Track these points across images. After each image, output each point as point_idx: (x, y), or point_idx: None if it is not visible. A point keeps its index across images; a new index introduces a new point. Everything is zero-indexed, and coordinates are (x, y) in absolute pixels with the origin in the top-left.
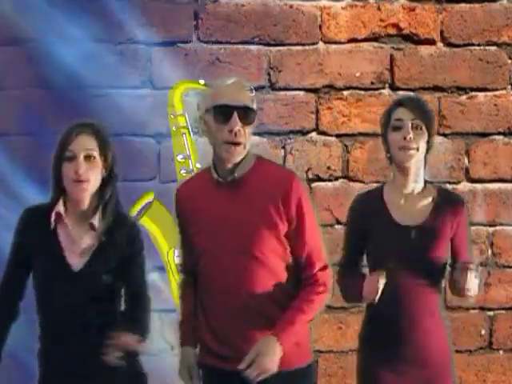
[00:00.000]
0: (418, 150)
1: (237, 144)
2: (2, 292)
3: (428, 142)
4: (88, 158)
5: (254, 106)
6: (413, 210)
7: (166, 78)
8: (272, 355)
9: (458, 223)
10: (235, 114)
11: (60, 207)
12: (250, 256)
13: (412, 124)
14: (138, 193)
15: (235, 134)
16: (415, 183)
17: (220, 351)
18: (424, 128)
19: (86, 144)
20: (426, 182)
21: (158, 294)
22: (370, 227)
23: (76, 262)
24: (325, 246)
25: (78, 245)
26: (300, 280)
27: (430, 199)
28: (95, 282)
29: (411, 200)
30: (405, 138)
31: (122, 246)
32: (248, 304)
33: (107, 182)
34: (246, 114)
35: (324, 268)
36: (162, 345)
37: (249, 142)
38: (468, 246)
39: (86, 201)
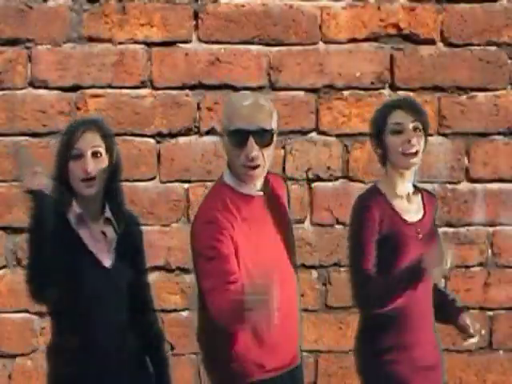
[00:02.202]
0: (419, 152)
1: (255, 168)
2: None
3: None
4: (95, 154)
5: (273, 124)
6: (412, 209)
7: (165, 78)
8: None
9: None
10: (251, 139)
11: (77, 208)
12: (288, 266)
13: (413, 127)
14: (138, 193)
15: (252, 159)
16: (409, 183)
17: (270, 362)
18: (422, 130)
19: (93, 141)
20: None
21: (158, 294)
22: (382, 230)
23: (106, 259)
24: (325, 245)
25: (101, 241)
26: None
27: (419, 197)
28: (125, 276)
29: (409, 199)
30: (409, 142)
31: (134, 238)
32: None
33: (113, 176)
34: (262, 137)
35: None
36: None
37: (269, 163)
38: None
39: (95, 198)
